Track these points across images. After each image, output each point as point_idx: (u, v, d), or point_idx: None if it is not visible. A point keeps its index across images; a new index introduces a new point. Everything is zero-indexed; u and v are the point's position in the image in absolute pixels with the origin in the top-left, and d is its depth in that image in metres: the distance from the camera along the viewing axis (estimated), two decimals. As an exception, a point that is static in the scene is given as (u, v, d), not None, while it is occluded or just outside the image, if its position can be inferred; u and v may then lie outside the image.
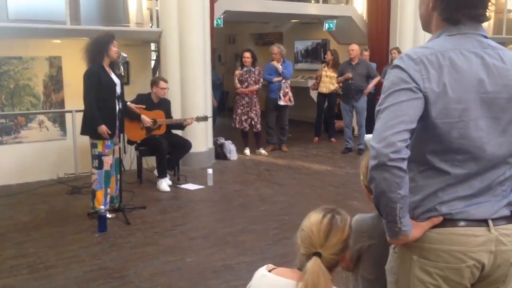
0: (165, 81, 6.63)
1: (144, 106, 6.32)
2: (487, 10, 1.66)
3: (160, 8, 7.54)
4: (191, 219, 5.44)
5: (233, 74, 8.71)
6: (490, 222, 1.61)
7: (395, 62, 1.63)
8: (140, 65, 7.80)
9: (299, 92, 11.19)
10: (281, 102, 8.59)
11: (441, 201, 1.61)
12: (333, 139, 9.83)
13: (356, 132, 9.31)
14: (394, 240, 1.61)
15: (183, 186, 6.68)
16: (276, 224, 5.25)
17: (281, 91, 8.60)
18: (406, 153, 1.50)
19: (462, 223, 1.60)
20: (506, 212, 1.65)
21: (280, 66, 8.53)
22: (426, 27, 1.77)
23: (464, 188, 1.61)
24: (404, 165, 1.50)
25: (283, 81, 8.60)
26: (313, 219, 1.78)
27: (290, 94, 8.67)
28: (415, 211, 1.63)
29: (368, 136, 4.56)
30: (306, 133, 10.41)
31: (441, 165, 1.60)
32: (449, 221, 1.60)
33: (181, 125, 6.73)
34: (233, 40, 14.18)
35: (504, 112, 1.61)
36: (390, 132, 1.50)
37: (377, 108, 1.60)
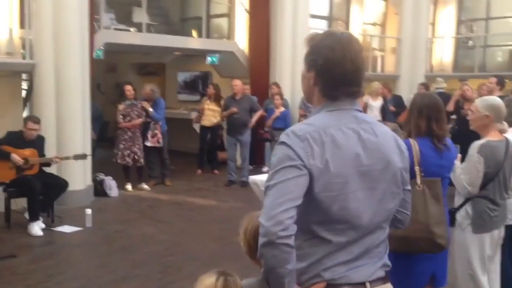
0: (35, 122, 6.18)
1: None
2: (361, 87, 1.80)
3: (35, 38, 7.09)
4: (68, 267, 5.09)
5: (113, 104, 8.43)
6: (368, 285, 1.73)
7: (282, 138, 1.69)
8: (9, 98, 7.24)
9: (182, 123, 11.17)
10: (148, 143, 8.44)
11: (324, 268, 1.70)
12: (216, 171, 9.89)
13: (239, 164, 9.45)
14: None
15: (58, 228, 6.24)
16: (161, 267, 5.11)
17: (149, 132, 8.44)
18: (293, 229, 1.58)
19: (345, 287, 1.69)
20: (381, 273, 1.78)
21: (150, 109, 8.38)
22: (308, 99, 1.87)
23: (345, 254, 1.71)
24: (292, 241, 1.57)
25: (153, 122, 8.46)
26: (207, 283, 1.78)
27: (159, 135, 8.53)
28: (301, 277, 1.71)
29: (252, 178, 4.67)
30: (189, 165, 10.34)
31: (324, 234, 1.69)
32: (332, 286, 1.69)
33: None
34: (114, 69, 13.76)
35: (379, 183, 1.74)
36: (278, 210, 1.56)
37: (265, 183, 1.65)
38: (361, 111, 1.80)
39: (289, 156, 1.62)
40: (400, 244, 2.66)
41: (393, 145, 1.80)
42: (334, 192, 1.65)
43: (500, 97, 7.13)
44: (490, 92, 7.51)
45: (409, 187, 1.89)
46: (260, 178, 4.60)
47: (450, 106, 8.39)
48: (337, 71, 1.73)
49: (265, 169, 10.09)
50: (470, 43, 13.26)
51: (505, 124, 3.75)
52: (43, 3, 7.07)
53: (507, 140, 3.50)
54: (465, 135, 6.33)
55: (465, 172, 3.40)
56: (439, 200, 2.92)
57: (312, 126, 1.69)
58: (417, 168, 2.89)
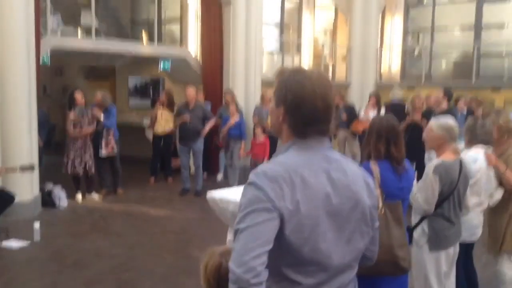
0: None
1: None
2: (330, 125, 1.79)
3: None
4: (16, 287, 4.86)
5: (60, 107, 8.11)
6: None
7: (251, 178, 1.65)
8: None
9: (133, 129, 10.93)
10: (103, 152, 8.24)
11: None
12: (170, 179, 9.74)
13: (193, 171, 9.35)
14: None
15: (5, 244, 5.96)
16: (116, 284, 4.97)
17: (103, 141, 8.23)
18: (265, 275, 1.55)
19: None
20: None
21: (102, 117, 8.18)
22: (277, 134, 1.85)
23: None
24: (263, 287, 1.54)
25: (105, 130, 8.25)
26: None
27: (113, 142, 8.32)
28: None
29: (210, 195, 4.60)
30: (141, 172, 10.09)
31: (294, 277, 1.66)
32: None
33: None
34: (61, 72, 13.29)
35: (348, 223, 1.74)
36: (249, 256, 1.52)
37: (235, 226, 1.61)
38: (330, 148, 1.79)
39: (259, 197, 1.59)
40: (364, 268, 2.70)
41: (361, 183, 1.80)
42: (305, 234, 1.63)
43: (448, 110, 7.50)
44: (437, 103, 7.81)
45: (377, 224, 1.89)
46: (218, 195, 4.55)
47: (418, 117, 8.61)
48: (307, 108, 1.71)
49: (219, 176, 10.06)
50: (416, 52, 13.72)
51: (459, 144, 3.92)
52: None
53: (461, 160, 3.64)
54: (416, 144, 6.59)
55: (421, 190, 3.51)
56: (401, 223, 3.00)
57: (281, 166, 1.66)
58: (378, 191, 2.95)
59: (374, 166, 3.02)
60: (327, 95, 1.73)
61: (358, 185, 1.77)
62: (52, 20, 8.98)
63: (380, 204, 2.94)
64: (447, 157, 3.58)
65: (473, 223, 4.00)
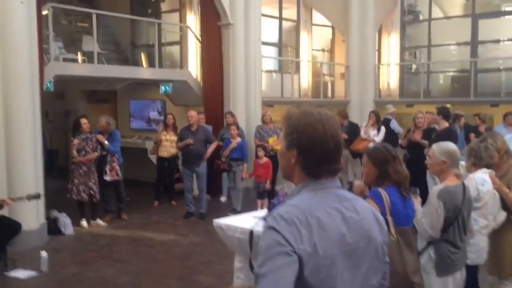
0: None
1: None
2: (340, 163, 1.86)
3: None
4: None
5: (63, 132, 8.16)
6: None
7: (269, 222, 1.70)
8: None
9: (136, 152, 11.00)
10: (107, 178, 8.28)
11: None
12: (173, 202, 9.77)
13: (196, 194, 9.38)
14: None
15: (12, 274, 5.96)
16: (124, 313, 4.98)
17: (107, 166, 8.28)
18: None
19: None
20: None
21: (106, 141, 8.24)
22: (288, 177, 1.90)
23: None
24: None
25: (109, 155, 8.30)
26: None
27: (117, 167, 8.37)
28: None
29: (217, 222, 4.62)
30: (145, 195, 10.14)
31: None
32: None
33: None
34: (62, 96, 13.39)
35: (363, 260, 1.80)
36: None
37: (256, 270, 1.65)
38: (341, 187, 1.86)
39: (278, 241, 1.63)
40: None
41: (372, 220, 1.85)
42: (323, 274, 1.67)
43: (448, 128, 7.57)
44: (434, 122, 7.89)
45: (387, 259, 1.94)
46: (225, 222, 4.59)
47: (403, 142, 8.72)
48: (320, 150, 1.77)
49: (222, 198, 10.09)
50: (413, 69, 13.86)
51: (462, 169, 3.98)
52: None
53: (464, 184, 3.70)
54: (418, 162, 6.66)
55: (426, 216, 3.56)
56: (412, 248, 3.06)
57: (297, 209, 1.71)
58: (389, 218, 2.99)
59: (383, 192, 3.07)
60: (337, 135, 1.81)
61: (370, 223, 1.83)
62: (54, 47, 9.10)
63: (393, 231, 2.98)
64: (450, 182, 3.64)
65: (480, 245, 4.05)
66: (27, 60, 7.03)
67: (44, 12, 8.35)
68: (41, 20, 7.64)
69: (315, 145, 1.78)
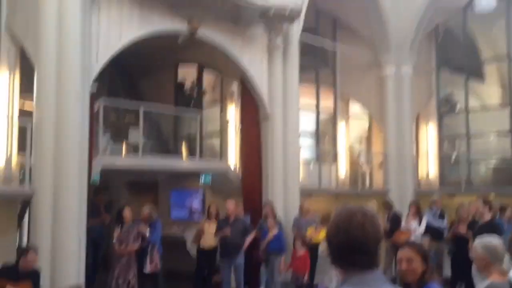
0: (35, 252, 6.14)
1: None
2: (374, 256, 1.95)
3: (34, 164, 7.22)
4: None
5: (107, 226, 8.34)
6: None
7: None
8: (3, 226, 7.18)
9: (175, 242, 11.04)
10: (147, 270, 8.29)
11: None
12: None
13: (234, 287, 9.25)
14: None
15: None
16: None
17: (148, 257, 8.31)
18: None
19: None
20: None
21: (148, 233, 8.34)
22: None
23: None
24: None
25: (150, 246, 8.37)
26: None
27: (157, 259, 8.40)
28: None
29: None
30: (182, 287, 10.03)
31: None
32: None
33: None
34: (106, 188, 13.78)
35: None
36: None
37: None
38: (383, 280, 1.92)
39: None
40: None
41: None
42: None
43: (492, 221, 7.37)
44: (480, 215, 7.69)
45: None
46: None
47: (448, 236, 8.54)
48: (338, 242, 1.91)
49: (260, 291, 9.88)
50: (453, 158, 13.72)
51: (505, 265, 3.87)
52: (44, 131, 7.30)
53: (509, 281, 3.59)
54: (464, 257, 6.44)
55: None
56: None
57: None
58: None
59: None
60: (358, 229, 1.91)
61: None
62: (103, 141, 9.59)
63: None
64: (495, 278, 3.54)
65: None
66: (77, 154, 7.42)
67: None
68: (93, 116, 8.14)
69: (333, 239, 1.94)
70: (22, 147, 7.80)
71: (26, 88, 8.30)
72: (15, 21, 8.20)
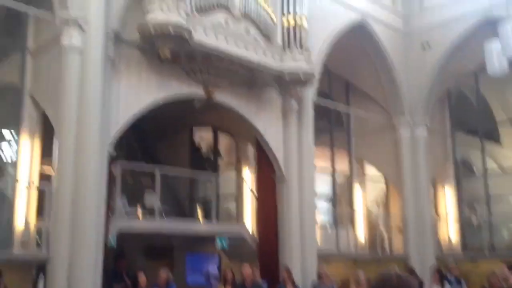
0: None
1: None
2: None
3: (51, 228, 7.21)
4: None
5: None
6: None
7: None
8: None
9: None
10: None
11: None
12: None
13: None
14: None
15: None
16: None
17: None
18: None
19: None
20: None
21: None
22: None
23: None
24: None
25: None
26: None
27: None
28: None
29: None
30: None
31: None
32: None
33: None
34: (122, 253, 13.63)
35: None
36: None
37: None
38: None
39: None
40: None
41: None
42: None
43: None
44: (505, 281, 7.40)
45: None
46: None
47: None
48: None
49: None
50: (475, 223, 13.40)
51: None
52: (63, 195, 7.35)
53: None
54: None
55: None
56: None
57: None
58: None
59: None
60: None
61: None
62: (119, 204, 9.58)
63: None
64: None
65: None
66: (94, 217, 7.41)
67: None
68: (110, 179, 8.20)
69: None
70: (40, 211, 7.83)
71: (45, 153, 8.46)
72: (38, 87, 8.48)
